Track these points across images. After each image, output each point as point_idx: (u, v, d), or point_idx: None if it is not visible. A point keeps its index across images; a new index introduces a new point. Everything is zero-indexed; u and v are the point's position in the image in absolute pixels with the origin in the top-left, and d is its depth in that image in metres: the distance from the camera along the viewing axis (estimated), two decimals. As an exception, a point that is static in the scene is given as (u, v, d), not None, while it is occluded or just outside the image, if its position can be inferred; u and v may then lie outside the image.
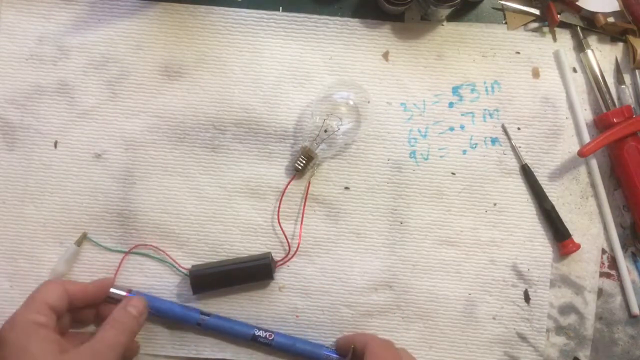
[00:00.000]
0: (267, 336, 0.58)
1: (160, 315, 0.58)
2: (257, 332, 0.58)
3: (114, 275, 0.60)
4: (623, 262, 0.62)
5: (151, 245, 0.61)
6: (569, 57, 0.63)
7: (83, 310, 0.56)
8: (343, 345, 0.59)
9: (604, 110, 0.62)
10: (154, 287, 0.61)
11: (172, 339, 0.61)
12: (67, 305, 0.53)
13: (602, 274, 0.63)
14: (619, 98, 0.63)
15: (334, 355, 0.59)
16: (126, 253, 0.61)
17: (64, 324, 0.54)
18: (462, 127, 0.63)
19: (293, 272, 0.62)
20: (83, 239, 0.61)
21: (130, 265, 0.61)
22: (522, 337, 0.61)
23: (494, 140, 0.63)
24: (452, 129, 0.63)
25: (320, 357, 0.59)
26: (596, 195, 0.63)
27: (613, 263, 0.63)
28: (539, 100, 0.63)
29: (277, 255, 0.61)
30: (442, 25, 0.63)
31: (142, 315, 0.54)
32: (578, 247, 0.61)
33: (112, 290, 0.55)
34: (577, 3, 0.62)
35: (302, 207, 0.62)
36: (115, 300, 0.57)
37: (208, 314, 0.59)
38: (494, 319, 0.62)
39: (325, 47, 0.63)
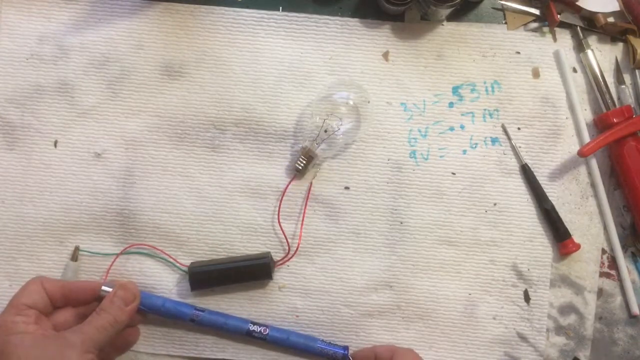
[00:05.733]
0: (262, 331, 0.58)
1: (153, 312, 0.58)
2: (252, 327, 0.58)
3: (105, 275, 0.60)
4: (623, 262, 0.62)
5: (147, 245, 0.61)
6: (569, 57, 0.63)
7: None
8: (364, 356, 0.58)
9: (604, 110, 0.62)
10: (153, 286, 0.61)
11: (171, 339, 0.61)
12: (49, 301, 0.53)
13: (602, 274, 0.63)
14: (619, 98, 0.63)
15: (328, 348, 0.59)
16: (117, 255, 0.61)
17: (60, 320, 0.54)
18: (462, 127, 0.63)
19: (293, 272, 0.62)
20: (77, 253, 0.61)
21: (129, 264, 0.61)
22: (522, 337, 0.61)
23: (494, 140, 0.63)
24: (452, 129, 0.63)
25: (314, 350, 0.59)
26: (596, 195, 0.63)
27: (613, 263, 0.63)
28: (539, 100, 0.63)
29: (277, 255, 0.61)
30: (442, 25, 0.63)
31: (128, 306, 0.54)
32: (578, 247, 0.61)
33: (103, 287, 0.55)
34: (577, 3, 0.62)
35: (302, 207, 0.62)
36: None
37: (202, 310, 0.59)
38: (494, 319, 0.62)
39: (325, 47, 0.63)
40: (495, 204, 0.62)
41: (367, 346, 0.61)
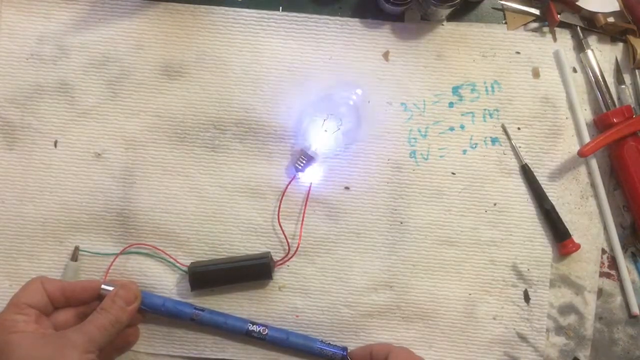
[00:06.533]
0: (262, 330, 0.58)
1: (154, 311, 0.58)
2: (251, 327, 0.58)
3: (105, 275, 0.60)
4: (623, 262, 0.62)
5: (148, 245, 0.61)
6: (569, 57, 0.63)
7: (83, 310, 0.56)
8: (361, 355, 0.58)
9: (604, 110, 0.62)
10: (153, 286, 0.61)
11: (171, 339, 0.61)
12: (49, 301, 0.53)
13: (602, 274, 0.63)
14: (619, 98, 0.63)
15: (328, 349, 0.59)
16: (117, 255, 0.61)
17: (60, 320, 0.54)
18: (462, 127, 0.63)
19: (293, 272, 0.62)
20: (77, 253, 0.61)
21: (129, 264, 0.61)
22: (522, 337, 0.61)
23: (494, 140, 0.63)
24: (452, 129, 0.63)
25: (313, 351, 0.59)
26: (596, 195, 0.63)
27: (613, 263, 0.63)
28: (539, 100, 0.63)
29: (277, 255, 0.61)
30: (442, 25, 0.63)
31: (130, 305, 0.54)
32: (578, 247, 0.61)
33: (103, 286, 0.55)
34: (577, 3, 0.62)
35: (302, 207, 0.62)
36: None
37: (202, 309, 0.59)
38: (494, 319, 0.62)
39: (325, 47, 0.63)
40: (495, 204, 0.62)
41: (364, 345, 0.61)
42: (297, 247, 0.61)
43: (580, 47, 0.63)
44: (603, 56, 0.64)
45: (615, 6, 0.63)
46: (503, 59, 0.63)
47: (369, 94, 0.62)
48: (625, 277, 0.62)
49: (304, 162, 0.60)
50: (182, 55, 0.62)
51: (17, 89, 0.62)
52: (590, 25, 0.63)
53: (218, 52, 0.63)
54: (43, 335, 0.49)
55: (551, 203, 0.62)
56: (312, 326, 0.61)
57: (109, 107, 0.62)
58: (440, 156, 0.63)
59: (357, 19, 0.63)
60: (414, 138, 0.63)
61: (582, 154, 0.60)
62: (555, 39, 0.64)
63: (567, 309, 0.62)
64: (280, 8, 0.63)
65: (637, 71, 0.63)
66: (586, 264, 0.62)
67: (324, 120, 0.60)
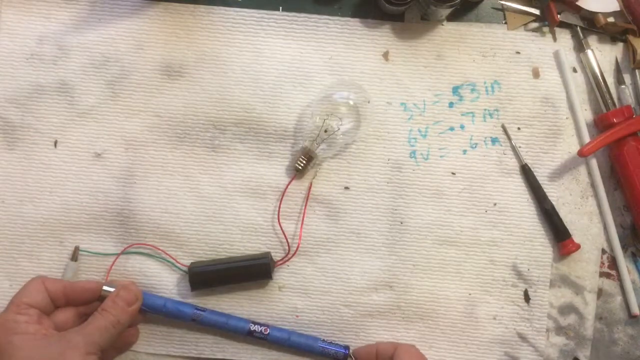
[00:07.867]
0: (263, 330, 0.58)
1: (155, 311, 0.58)
2: (253, 327, 0.58)
3: (106, 276, 0.60)
4: (623, 262, 0.62)
5: (148, 244, 0.61)
6: (569, 57, 0.63)
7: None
8: (366, 354, 0.58)
9: (604, 110, 0.62)
10: (153, 286, 0.61)
11: (171, 338, 0.61)
12: (50, 300, 0.53)
13: (602, 274, 0.63)
14: (619, 98, 0.63)
15: (330, 348, 0.59)
16: (118, 255, 0.61)
17: (60, 319, 0.54)
18: (462, 127, 0.63)
19: (293, 272, 0.62)
20: (77, 253, 0.61)
21: (129, 264, 0.61)
22: (522, 337, 0.61)
23: (494, 140, 0.63)
24: (452, 129, 0.63)
25: (316, 350, 0.59)
26: (596, 195, 0.63)
27: (613, 263, 0.63)
28: (539, 100, 0.63)
29: (277, 255, 0.61)
30: (442, 25, 0.63)
31: (131, 306, 0.54)
32: (578, 247, 0.61)
33: (105, 288, 0.55)
34: (577, 3, 0.62)
35: (302, 207, 0.62)
36: None
37: (203, 309, 0.59)
38: (494, 319, 0.62)
39: (325, 47, 0.63)
40: (495, 204, 0.62)
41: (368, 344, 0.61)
42: (297, 247, 0.61)
43: (580, 47, 0.63)
44: (603, 56, 0.64)
45: (615, 6, 0.63)
46: (503, 59, 0.63)
47: (369, 94, 0.62)
48: (625, 277, 0.62)
49: (304, 162, 0.60)
50: (182, 55, 0.62)
51: (17, 89, 0.62)
52: (590, 25, 0.63)
53: (218, 52, 0.63)
54: (44, 337, 0.49)
55: (551, 203, 0.62)
56: (312, 326, 0.61)
57: (109, 107, 0.62)
58: (441, 156, 0.63)
59: (357, 19, 0.63)
60: (414, 138, 0.63)
61: (582, 154, 0.60)
62: (555, 39, 0.64)
63: (567, 309, 0.62)
64: (280, 8, 0.63)
65: (637, 71, 0.63)
66: (586, 264, 0.62)
67: (324, 120, 0.60)
